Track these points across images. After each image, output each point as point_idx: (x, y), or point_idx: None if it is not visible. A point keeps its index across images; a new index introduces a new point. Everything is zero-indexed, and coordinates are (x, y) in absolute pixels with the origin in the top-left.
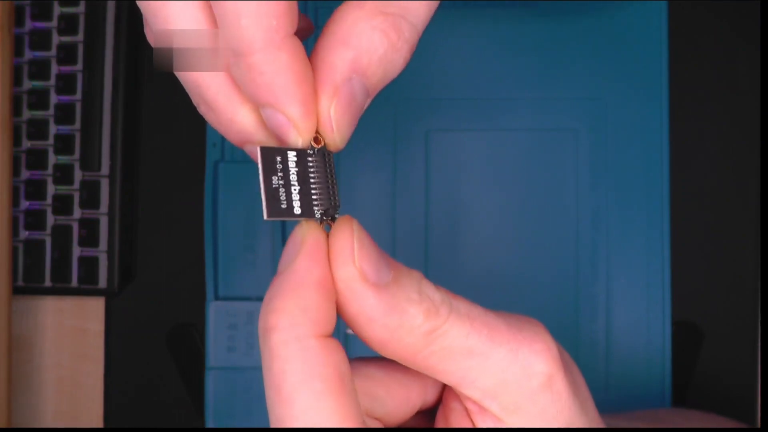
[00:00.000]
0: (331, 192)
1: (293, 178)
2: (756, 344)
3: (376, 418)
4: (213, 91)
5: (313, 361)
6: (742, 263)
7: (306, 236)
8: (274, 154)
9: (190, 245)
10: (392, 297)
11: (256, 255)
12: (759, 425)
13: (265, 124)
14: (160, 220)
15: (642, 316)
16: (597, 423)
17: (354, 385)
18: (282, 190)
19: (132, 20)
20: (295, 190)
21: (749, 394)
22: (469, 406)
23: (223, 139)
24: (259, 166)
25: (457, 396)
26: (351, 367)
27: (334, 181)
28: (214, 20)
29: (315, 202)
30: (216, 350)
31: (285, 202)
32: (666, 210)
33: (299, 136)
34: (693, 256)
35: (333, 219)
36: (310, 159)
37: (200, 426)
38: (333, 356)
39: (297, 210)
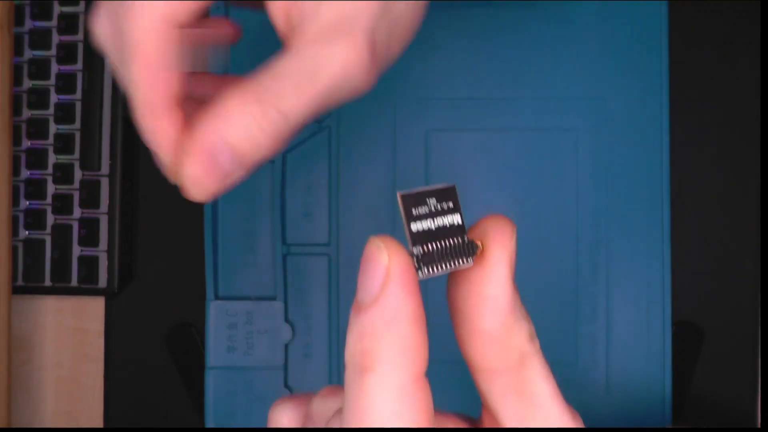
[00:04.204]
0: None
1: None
2: (756, 344)
3: None
4: None
5: (408, 405)
6: (742, 263)
7: (392, 261)
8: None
9: (190, 245)
10: (516, 303)
11: (256, 255)
12: (759, 425)
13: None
14: (160, 220)
15: (642, 316)
16: None
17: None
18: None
19: None
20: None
21: (749, 394)
22: None
23: None
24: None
25: None
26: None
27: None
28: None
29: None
30: (216, 350)
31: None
32: (666, 210)
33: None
34: (693, 256)
35: (418, 266)
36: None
37: (200, 426)
38: (426, 397)
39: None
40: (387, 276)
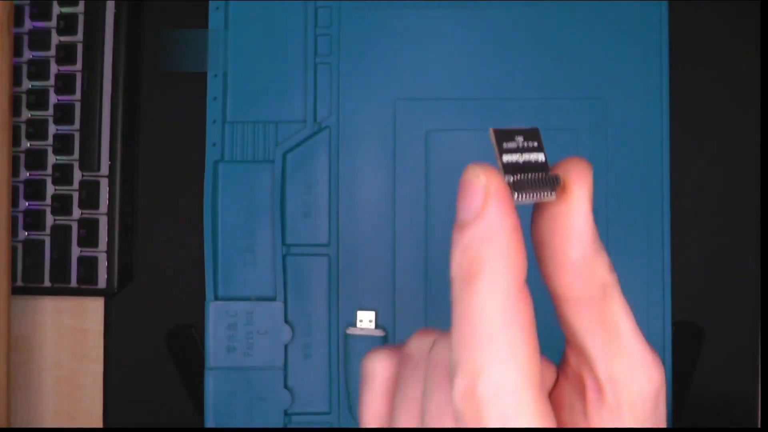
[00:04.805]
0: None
1: (528, 160)
2: (756, 344)
3: None
4: None
5: (513, 308)
6: (742, 263)
7: (490, 181)
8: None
9: (190, 245)
10: (596, 236)
11: (256, 255)
12: (759, 425)
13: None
14: (160, 220)
15: (642, 316)
16: None
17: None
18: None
19: (132, 20)
20: (522, 159)
21: (749, 394)
22: (589, 384)
23: (223, 139)
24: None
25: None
26: None
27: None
28: None
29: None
30: (216, 350)
31: (514, 145)
32: (666, 210)
33: None
34: (693, 256)
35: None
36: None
37: (200, 426)
38: (528, 305)
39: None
40: (486, 194)
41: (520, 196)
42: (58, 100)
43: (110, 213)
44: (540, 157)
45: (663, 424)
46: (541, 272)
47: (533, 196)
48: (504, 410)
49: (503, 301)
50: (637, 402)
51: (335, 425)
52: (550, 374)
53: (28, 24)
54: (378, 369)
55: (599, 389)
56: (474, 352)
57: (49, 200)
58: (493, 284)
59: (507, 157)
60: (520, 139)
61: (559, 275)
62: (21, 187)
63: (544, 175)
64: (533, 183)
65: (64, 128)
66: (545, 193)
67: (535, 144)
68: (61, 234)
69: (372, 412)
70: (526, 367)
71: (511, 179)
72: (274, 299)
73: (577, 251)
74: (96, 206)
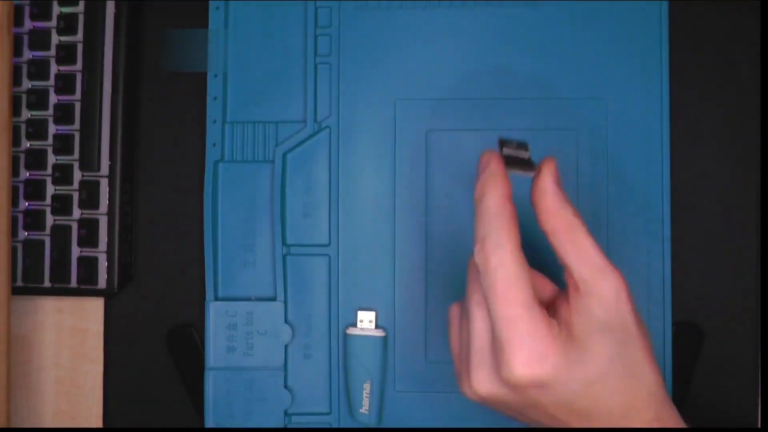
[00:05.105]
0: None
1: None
2: (756, 344)
3: None
4: None
5: (503, 206)
6: (742, 263)
7: (492, 154)
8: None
9: (190, 245)
10: (563, 195)
11: (256, 255)
12: (759, 425)
13: None
14: (160, 220)
15: (642, 316)
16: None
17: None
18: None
19: (132, 20)
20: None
21: (749, 394)
22: (570, 285)
23: (223, 139)
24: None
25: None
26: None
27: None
28: None
29: (513, 153)
30: (215, 350)
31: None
32: (666, 210)
33: None
34: (693, 256)
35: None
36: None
37: (200, 426)
38: (512, 207)
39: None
40: (490, 159)
41: (509, 168)
42: (58, 100)
43: (110, 213)
44: (526, 155)
45: (629, 317)
46: (538, 222)
47: (517, 171)
48: (500, 254)
49: (497, 202)
50: (601, 296)
51: (335, 425)
52: (551, 288)
53: (28, 24)
54: (453, 313)
55: (576, 286)
56: (483, 227)
57: (49, 200)
58: (492, 195)
59: (505, 152)
60: (514, 144)
61: (543, 217)
62: (21, 187)
63: (525, 162)
64: (517, 164)
65: (64, 128)
66: (526, 172)
67: (524, 149)
68: (61, 234)
69: (455, 341)
70: (511, 234)
71: (505, 160)
72: (274, 299)
73: (548, 201)
74: (96, 206)
